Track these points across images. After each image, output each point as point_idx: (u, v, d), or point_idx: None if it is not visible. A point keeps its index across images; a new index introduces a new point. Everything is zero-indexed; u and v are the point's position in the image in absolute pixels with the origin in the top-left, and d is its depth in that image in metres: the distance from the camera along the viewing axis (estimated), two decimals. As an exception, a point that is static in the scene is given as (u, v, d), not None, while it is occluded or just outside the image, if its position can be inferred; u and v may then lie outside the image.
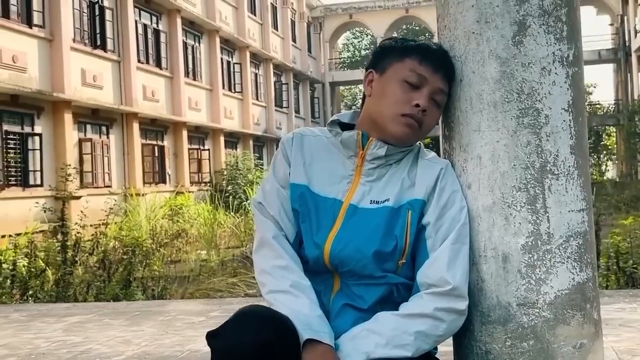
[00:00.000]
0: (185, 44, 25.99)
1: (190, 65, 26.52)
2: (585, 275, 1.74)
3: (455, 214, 1.75)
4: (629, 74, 39.88)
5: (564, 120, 1.73)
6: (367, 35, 49.24)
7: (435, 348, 1.84)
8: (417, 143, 1.89)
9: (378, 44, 1.98)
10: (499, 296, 1.72)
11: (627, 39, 39.62)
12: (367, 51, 51.58)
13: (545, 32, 1.73)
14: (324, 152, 1.88)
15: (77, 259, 6.44)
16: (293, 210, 1.85)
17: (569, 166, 1.73)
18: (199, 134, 27.20)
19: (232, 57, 30.67)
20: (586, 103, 1.76)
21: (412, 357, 1.68)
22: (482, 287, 1.75)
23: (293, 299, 1.71)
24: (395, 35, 46.15)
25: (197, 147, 27.00)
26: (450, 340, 1.86)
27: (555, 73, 1.73)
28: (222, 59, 29.13)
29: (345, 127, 1.91)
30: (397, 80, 1.80)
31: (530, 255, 1.71)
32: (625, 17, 39.40)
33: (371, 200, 1.80)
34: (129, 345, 3.28)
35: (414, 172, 1.81)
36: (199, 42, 27.50)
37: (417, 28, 46.62)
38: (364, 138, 1.82)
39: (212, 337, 1.60)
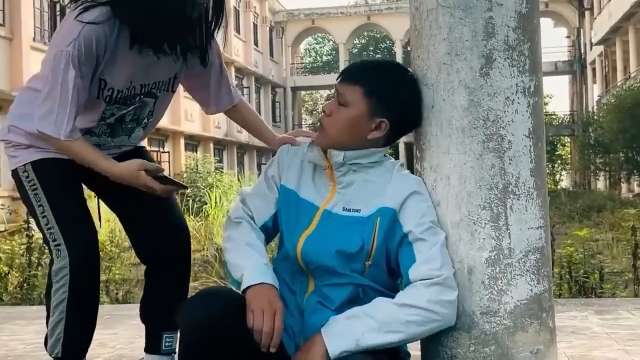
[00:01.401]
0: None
1: None
2: (542, 287, 1.92)
3: (434, 221, 1.91)
4: (584, 86, 40.91)
5: (525, 146, 1.91)
6: (329, 41, 49.57)
7: (409, 354, 2.00)
8: (388, 157, 2.04)
9: None
10: (464, 305, 1.88)
11: (582, 51, 40.65)
12: (329, 57, 51.93)
13: (510, 65, 1.90)
14: (312, 165, 2.06)
15: (41, 261, 6.45)
16: (277, 210, 2.06)
17: (529, 187, 1.91)
18: (158, 136, 27.08)
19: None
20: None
21: (393, 349, 1.84)
22: (449, 296, 1.91)
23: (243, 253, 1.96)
24: (357, 41, 46.56)
25: (156, 149, 26.88)
26: (418, 345, 2.02)
27: (518, 102, 1.90)
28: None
29: None
30: None
31: (493, 268, 1.88)
32: (582, 30, 40.42)
33: (344, 208, 1.97)
34: (104, 348, 3.36)
35: (385, 182, 1.96)
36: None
37: (378, 35, 47.09)
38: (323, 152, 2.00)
39: (176, 314, 1.85)
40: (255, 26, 38.19)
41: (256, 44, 38.23)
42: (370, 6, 44.64)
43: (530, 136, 1.92)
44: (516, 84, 1.90)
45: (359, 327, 1.79)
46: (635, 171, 20.19)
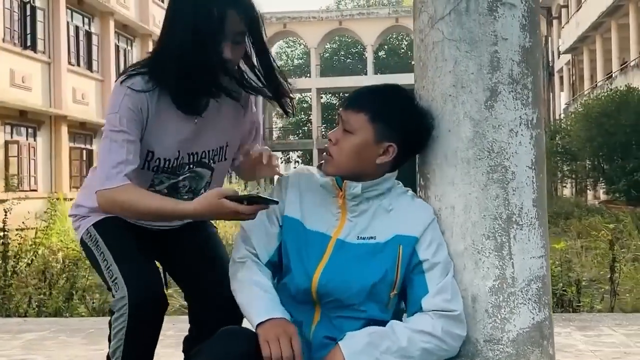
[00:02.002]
0: (117, 48, 25.64)
1: (122, 69, 26.07)
2: (543, 315, 1.96)
3: (446, 253, 1.95)
4: (551, 94, 41.50)
5: (528, 177, 1.95)
6: (301, 45, 49.62)
7: None
8: (397, 182, 2.06)
9: None
10: (468, 333, 1.92)
11: (550, 59, 41.22)
12: (300, 60, 51.97)
13: (514, 98, 1.95)
14: (316, 191, 2.05)
15: (16, 270, 6.37)
16: (283, 242, 2.03)
17: (532, 217, 1.95)
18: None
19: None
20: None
21: None
22: (453, 324, 1.95)
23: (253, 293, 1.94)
24: (328, 46, 46.64)
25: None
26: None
27: (522, 135, 1.95)
28: (154, 63, 28.80)
29: None
30: None
31: (497, 297, 1.92)
32: (550, 38, 41.00)
33: (358, 236, 1.97)
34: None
35: (400, 209, 1.98)
36: (132, 46, 27.18)
37: (349, 40, 47.25)
38: (339, 181, 2.00)
39: (196, 355, 1.84)
40: (226, 29, 38.02)
41: (227, 46, 38.06)
42: (342, 11, 44.81)
43: (533, 167, 1.96)
44: (520, 117, 1.95)
45: (378, 347, 1.82)
46: (601, 179, 20.51)
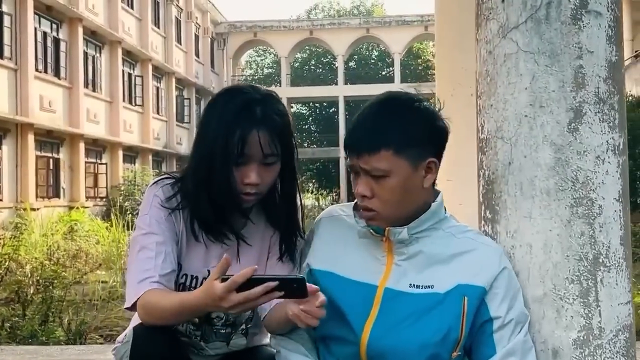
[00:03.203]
0: (85, 54, 25.07)
1: (90, 76, 25.57)
2: (633, 370, 1.71)
3: (522, 306, 1.67)
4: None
5: (615, 211, 1.70)
6: (271, 54, 49.35)
7: None
8: (448, 214, 1.78)
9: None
10: (549, 392, 1.66)
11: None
12: (270, 69, 51.66)
13: (600, 120, 1.69)
14: (352, 234, 1.77)
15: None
16: None
17: (619, 258, 1.70)
18: (96, 147, 26.23)
19: (133, 70, 29.85)
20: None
21: None
22: (531, 382, 1.68)
23: None
24: (298, 55, 46.46)
25: (94, 160, 26.03)
26: None
27: (609, 162, 1.69)
28: (123, 70, 28.27)
29: None
30: None
31: (582, 351, 1.66)
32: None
33: (410, 284, 1.69)
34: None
35: (463, 250, 1.69)
36: (100, 53, 26.61)
37: (320, 50, 47.07)
38: (378, 230, 1.71)
39: None
40: (196, 37, 37.58)
41: (197, 55, 37.63)
42: (313, 21, 44.59)
43: (620, 200, 1.71)
44: (607, 141, 1.70)
45: None
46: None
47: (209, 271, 1.84)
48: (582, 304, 1.67)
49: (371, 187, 1.66)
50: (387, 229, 1.69)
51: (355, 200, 1.78)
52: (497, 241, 1.76)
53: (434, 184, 1.74)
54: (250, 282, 1.48)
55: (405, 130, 1.65)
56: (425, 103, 1.72)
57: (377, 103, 1.72)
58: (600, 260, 1.67)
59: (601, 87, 1.70)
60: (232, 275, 1.49)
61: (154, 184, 1.85)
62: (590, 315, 1.66)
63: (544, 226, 1.69)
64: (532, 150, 1.70)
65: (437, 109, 1.73)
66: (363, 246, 1.75)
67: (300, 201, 1.89)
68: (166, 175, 1.87)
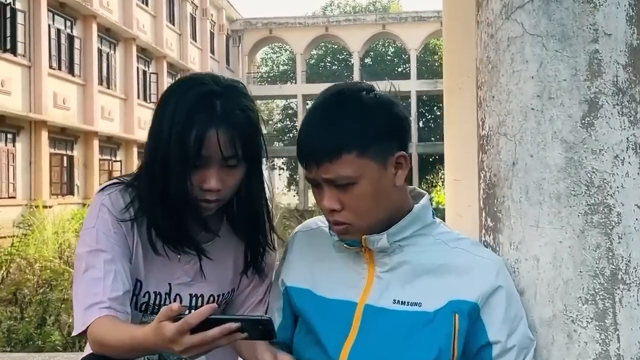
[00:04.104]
0: (100, 51, 25.00)
1: (105, 73, 25.52)
2: (657, 405, 1.47)
3: (525, 329, 1.45)
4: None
5: (637, 219, 1.46)
6: (286, 51, 49.15)
7: None
8: (437, 220, 1.56)
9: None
10: None
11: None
12: (285, 67, 51.42)
13: (620, 113, 1.45)
14: (329, 247, 1.56)
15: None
16: (283, 318, 1.62)
17: (641, 274, 1.46)
18: (111, 144, 26.18)
19: (148, 67, 29.78)
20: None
21: None
22: (537, 417, 1.45)
23: None
24: (314, 52, 46.25)
25: (108, 158, 25.97)
26: None
27: (629, 162, 1.46)
28: (138, 68, 28.21)
29: None
30: None
31: (597, 382, 1.42)
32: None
33: (395, 300, 1.46)
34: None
35: (456, 262, 1.47)
36: (115, 50, 26.53)
37: (336, 47, 46.73)
38: (352, 243, 1.49)
39: None
40: (212, 34, 37.47)
41: (212, 52, 37.51)
42: (329, 17, 44.31)
43: (642, 206, 1.47)
44: (627, 138, 1.46)
45: None
46: None
47: (169, 285, 1.63)
48: (597, 327, 1.43)
49: (338, 198, 1.43)
50: (363, 237, 1.47)
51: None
52: (499, 253, 1.53)
53: (406, 180, 1.51)
54: (208, 322, 1.26)
55: (365, 126, 1.42)
56: (377, 91, 1.48)
57: (324, 102, 1.47)
58: (619, 277, 1.44)
59: (620, 76, 1.46)
60: (185, 314, 1.26)
61: (100, 190, 1.62)
62: (607, 340, 1.43)
63: (554, 237, 1.45)
64: (539, 148, 1.47)
65: (390, 96, 1.49)
66: (342, 260, 1.53)
67: (270, 207, 1.67)
68: (115, 181, 1.64)
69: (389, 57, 48.62)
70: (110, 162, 26.07)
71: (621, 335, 1.43)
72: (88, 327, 1.46)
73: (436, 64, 42.57)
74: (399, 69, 46.60)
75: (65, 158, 22.82)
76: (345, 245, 1.49)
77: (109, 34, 25.80)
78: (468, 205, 1.89)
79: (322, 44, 46.49)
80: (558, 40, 1.46)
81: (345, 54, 46.10)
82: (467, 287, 1.43)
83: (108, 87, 25.65)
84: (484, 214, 1.60)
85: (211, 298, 1.68)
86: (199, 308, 1.27)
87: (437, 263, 1.47)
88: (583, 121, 1.44)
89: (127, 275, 1.55)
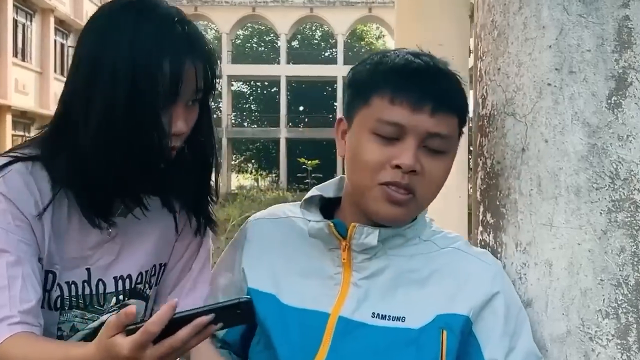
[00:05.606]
0: (15, 22, 23.86)
1: (20, 45, 24.40)
2: None
3: (529, 344, 1.21)
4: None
5: (666, 219, 1.24)
6: (212, 30, 48.25)
7: None
8: (425, 217, 1.32)
9: (350, 72, 1.35)
10: None
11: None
12: (210, 46, 50.58)
13: (651, 93, 1.23)
14: (299, 242, 1.30)
15: None
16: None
17: (668, 283, 1.24)
18: (25, 119, 25.11)
19: (67, 40, 28.63)
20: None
21: None
22: None
23: None
24: (240, 32, 45.58)
25: (22, 134, 24.90)
26: None
27: (660, 152, 1.23)
28: (55, 40, 27.10)
29: (331, 203, 1.33)
30: (365, 132, 1.21)
31: (618, 410, 1.20)
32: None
33: (374, 313, 1.21)
34: None
35: (446, 268, 1.24)
36: (31, 21, 25.37)
37: (262, 28, 46.15)
38: (340, 227, 1.24)
39: None
40: (135, 9, 36.45)
41: (135, 28, 36.52)
42: (256, -3, 43.76)
43: (671, 203, 1.25)
44: (658, 123, 1.23)
45: None
46: None
47: (88, 270, 1.32)
48: (619, 346, 1.21)
49: (421, 162, 1.19)
50: (352, 224, 1.21)
51: (300, 202, 1.30)
52: (501, 256, 1.30)
53: None
54: (173, 323, 0.99)
55: (465, 98, 1.25)
56: None
57: (427, 56, 1.25)
58: (645, 287, 1.22)
59: (653, 48, 1.23)
60: (139, 323, 0.98)
61: None
62: (629, 361, 1.21)
63: (570, 238, 1.22)
64: (556, 132, 1.23)
65: None
66: (314, 258, 1.27)
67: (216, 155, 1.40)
68: (5, 159, 1.27)
69: (315, 41, 48.41)
70: (24, 138, 25.00)
71: (645, 356, 1.21)
72: None
73: (363, 50, 42.61)
74: (326, 54, 46.45)
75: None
76: (331, 224, 1.23)
77: (25, 4, 24.68)
78: (459, 197, 1.65)
79: (249, 24, 45.87)
80: (582, 2, 1.22)
81: (272, 35, 45.64)
82: (457, 297, 1.20)
83: (23, 60, 24.55)
84: (481, 208, 1.35)
85: (139, 277, 1.41)
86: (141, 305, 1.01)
87: (424, 269, 1.24)
88: (609, 101, 1.21)
89: (38, 278, 1.23)
